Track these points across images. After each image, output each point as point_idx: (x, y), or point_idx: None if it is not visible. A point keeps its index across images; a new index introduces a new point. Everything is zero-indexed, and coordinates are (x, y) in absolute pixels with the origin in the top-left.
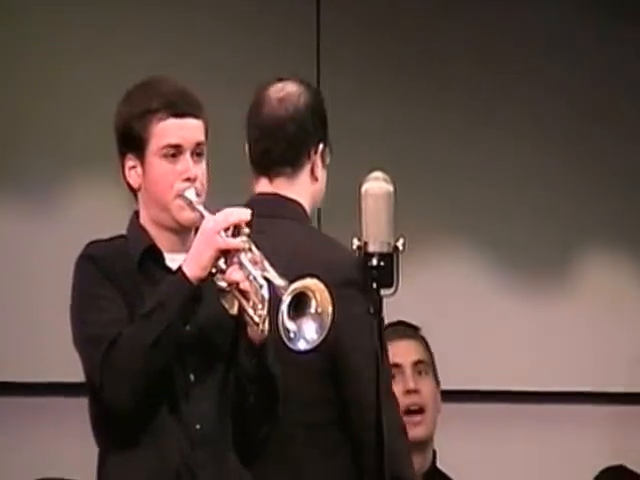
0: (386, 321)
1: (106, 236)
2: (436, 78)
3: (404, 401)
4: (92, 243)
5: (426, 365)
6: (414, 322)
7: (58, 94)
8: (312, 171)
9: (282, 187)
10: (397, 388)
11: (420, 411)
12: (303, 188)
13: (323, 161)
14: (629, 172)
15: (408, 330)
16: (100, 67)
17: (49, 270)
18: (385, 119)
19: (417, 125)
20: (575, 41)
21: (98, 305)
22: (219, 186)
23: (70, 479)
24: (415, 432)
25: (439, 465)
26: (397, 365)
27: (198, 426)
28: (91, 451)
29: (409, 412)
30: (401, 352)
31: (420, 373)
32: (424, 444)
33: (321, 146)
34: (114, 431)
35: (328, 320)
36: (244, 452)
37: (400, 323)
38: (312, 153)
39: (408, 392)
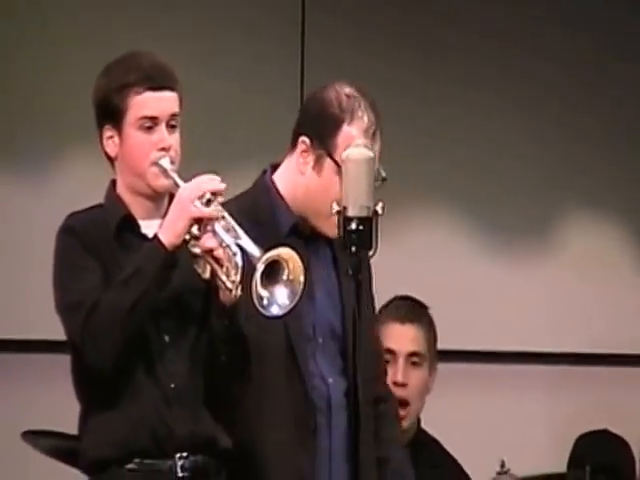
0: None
1: (95, 201)
2: (421, 44)
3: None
4: (71, 215)
5: (421, 356)
6: (394, 284)
7: (54, 70)
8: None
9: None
10: (388, 374)
11: (405, 404)
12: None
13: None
14: (612, 135)
15: (411, 312)
16: (96, 45)
17: (41, 239)
18: (373, 88)
19: (399, 91)
20: (570, 6)
21: (78, 274)
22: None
23: (56, 431)
24: None
25: (423, 426)
26: (392, 351)
27: (172, 385)
28: (75, 404)
29: None
30: (398, 339)
31: (414, 364)
32: (406, 430)
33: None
34: (94, 390)
35: (299, 287)
36: (216, 409)
37: (407, 299)
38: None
39: (396, 384)
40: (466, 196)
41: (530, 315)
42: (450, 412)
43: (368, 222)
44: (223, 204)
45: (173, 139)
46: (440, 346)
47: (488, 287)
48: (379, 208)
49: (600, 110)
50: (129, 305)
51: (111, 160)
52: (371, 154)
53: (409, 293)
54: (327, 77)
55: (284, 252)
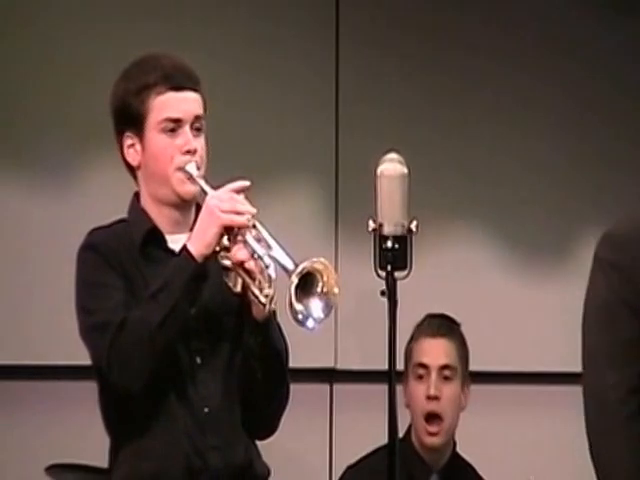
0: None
1: (119, 214)
2: (453, 66)
3: (425, 406)
4: (93, 231)
5: (453, 370)
6: (425, 302)
7: (72, 71)
8: None
9: None
10: (421, 389)
11: (438, 419)
12: None
13: None
14: (633, 154)
15: (443, 327)
16: (116, 44)
17: (63, 248)
18: (403, 100)
19: (434, 109)
20: (580, 30)
21: (102, 293)
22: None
23: (82, 464)
24: (432, 441)
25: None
26: (424, 366)
27: (206, 409)
28: (96, 433)
29: (428, 419)
30: (430, 353)
31: (446, 378)
32: (441, 448)
33: None
34: (124, 419)
35: (334, 300)
36: (254, 430)
37: (439, 317)
38: None
39: (429, 398)
40: (496, 217)
41: (559, 335)
42: (478, 433)
43: (403, 241)
44: None
45: (198, 143)
46: (474, 367)
47: (518, 307)
48: (413, 226)
49: (624, 127)
50: (158, 321)
51: (132, 170)
52: (405, 170)
53: (439, 311)
54: (362, 84)
55: (318, 263)
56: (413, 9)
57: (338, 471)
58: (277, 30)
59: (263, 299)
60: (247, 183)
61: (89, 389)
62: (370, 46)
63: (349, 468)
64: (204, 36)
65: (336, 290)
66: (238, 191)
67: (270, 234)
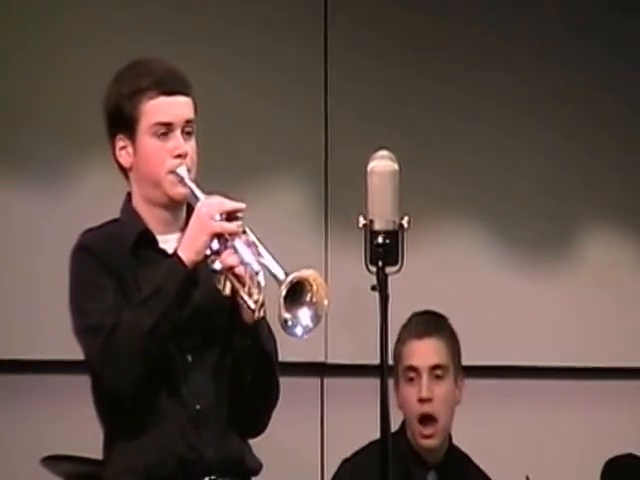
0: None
1: (113, 215)
2: (444, 55)
3: (418, 408)
4: (86, 232)
5: (444, 368)
6: (417, 297)
7: (69, 75)
8: None
9: None
10: (413, 391)
11: (433, 420)
12: None
13: None
14: (630, 149)
15: (430, 326)
16: (110, 48)
17: (61, 249)
18: (391, 97)
19: (423, 104)
20: (584, 18)
21: (95, 295)
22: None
23: (76, 455)
24: (428, 443)
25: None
26: (414, 368)
27: (198, 406)
28: (92, 426)
29: (422, 421)
30: (419, 354)
31: (438, 377)
32: (438, 448)
33: None
34: (117, 417)
35: (322, 310)
36: (244, 428)
37: (425, 314)
38: None
39: (421, 400)
40: (487, 212)
41: (557, 330)
42: (474, 428)
43: (394, 236)
44: None
45: (189, 146)
46: (466, 362)
47: (510, 302)
48: (405, 222)
49: (617, 127)
50: (149, 326)
51: (125, 171)
52: (396, 166)
53: (431, 306)
54: (351, 87)
55: (307, 273)
56: (400, 14)
57: (330, 464)
58: (267, 31)
59: (252, 305)
60: (242, 205)
61: (84, 383)
62: (358, 47)
63: (345, 461)
64: (198, 38)
65: (326, 302)
66: (231, 212)
67: (260, 241)
